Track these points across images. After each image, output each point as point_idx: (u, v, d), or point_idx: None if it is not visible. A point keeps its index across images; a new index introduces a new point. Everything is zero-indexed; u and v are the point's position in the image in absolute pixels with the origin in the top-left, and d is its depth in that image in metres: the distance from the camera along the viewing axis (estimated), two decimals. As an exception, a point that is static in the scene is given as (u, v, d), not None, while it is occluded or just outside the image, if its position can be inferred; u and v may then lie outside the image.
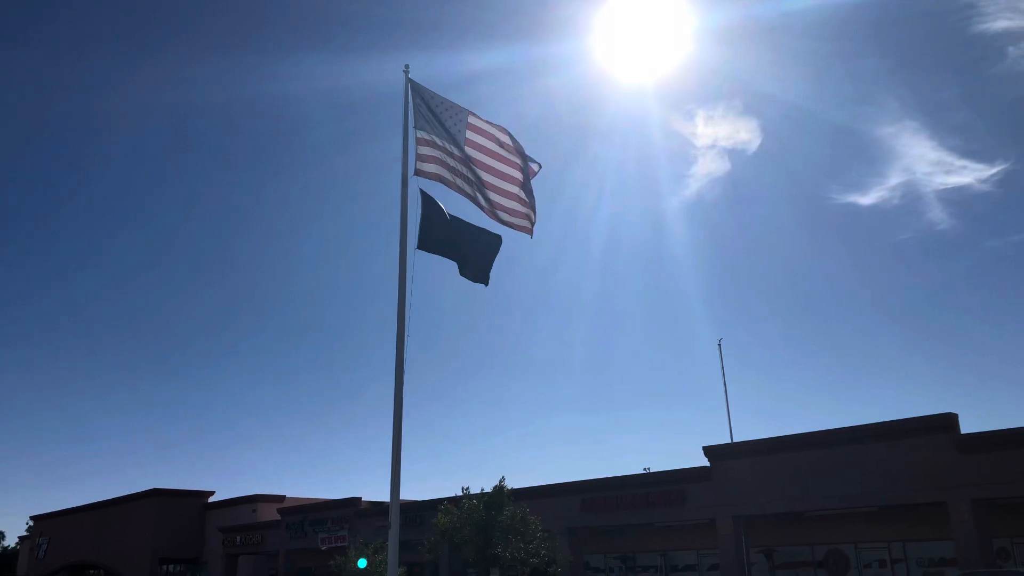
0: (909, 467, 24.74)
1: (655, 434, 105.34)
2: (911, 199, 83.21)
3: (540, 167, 16.97)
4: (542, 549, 24.57)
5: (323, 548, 41.25)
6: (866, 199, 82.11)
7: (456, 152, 17.43)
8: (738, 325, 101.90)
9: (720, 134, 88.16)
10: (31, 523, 74.59)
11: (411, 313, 15.99)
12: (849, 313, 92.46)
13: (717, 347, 34.18)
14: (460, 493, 26.44)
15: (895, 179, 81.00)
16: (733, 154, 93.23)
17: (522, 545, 24.05)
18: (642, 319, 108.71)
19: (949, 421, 24.23)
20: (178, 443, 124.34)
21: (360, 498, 43.70)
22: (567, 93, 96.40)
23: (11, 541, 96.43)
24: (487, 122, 17.27)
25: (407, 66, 18.44)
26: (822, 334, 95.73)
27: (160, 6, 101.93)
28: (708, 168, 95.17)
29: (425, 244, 16.69)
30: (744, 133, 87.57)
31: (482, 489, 25.83)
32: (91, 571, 66.34)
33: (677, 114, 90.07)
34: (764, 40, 79.46)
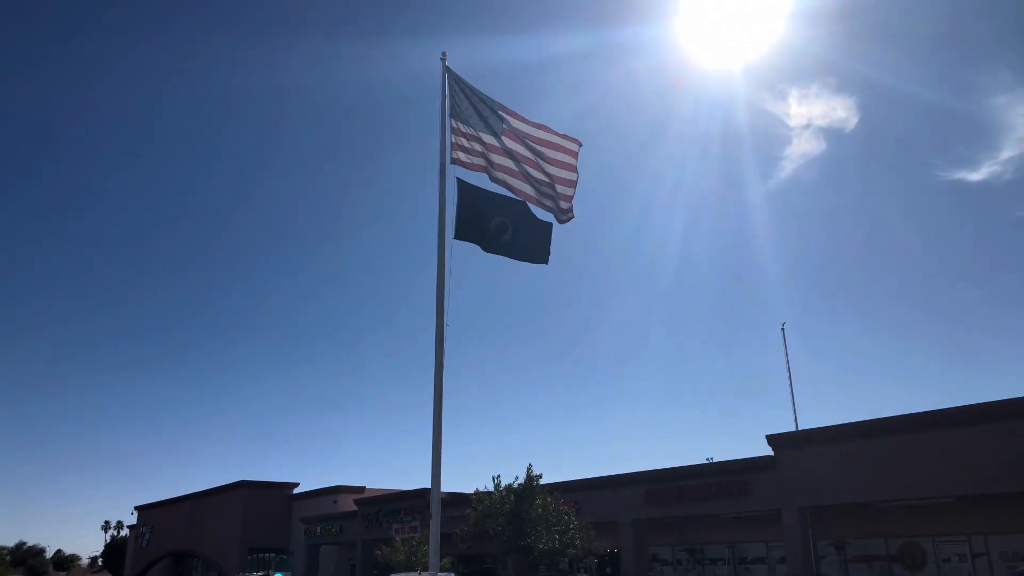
0: (992, 454, 23.08)
1: (736, 423, 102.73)
2: (1028, 172, 77.89)
3: (580, 145, 16.56)
4: (577, 540, 24.11)
5: (396, 538, 41.89)
6: (976, 174, 77.31)
7: (494, 142, 17.26)
8: (825, 311, 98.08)
9: (815, 113, 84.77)
10: (135, 512, 78.75)
11: (450, 303, 15.96)
12: (955, 296, 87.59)
13: (781, 332, 32.80)
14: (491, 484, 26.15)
15: (1008, 152, 75.81)
16: (829, 133, 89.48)
17: (556, 536, 23.64)
18: (721, 307, 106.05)
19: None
20: (267, 436, 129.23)
21: (428, 489, 44.10)
22: (650, 77, 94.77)
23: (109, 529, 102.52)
24: (520, 117, 17.01)
25: (444, 53, 18.38)
26: (922, 320, 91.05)
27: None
28: (803, 148, 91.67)
29: (463, 234, 16.59)
30: (840, 111, 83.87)
31: (516, 478, 25.49)
32: (190, 559, 69.61)
33: (768, 94, 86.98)
34: (857, 15, 75.79)
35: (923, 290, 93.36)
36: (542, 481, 27.04)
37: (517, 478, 25.26)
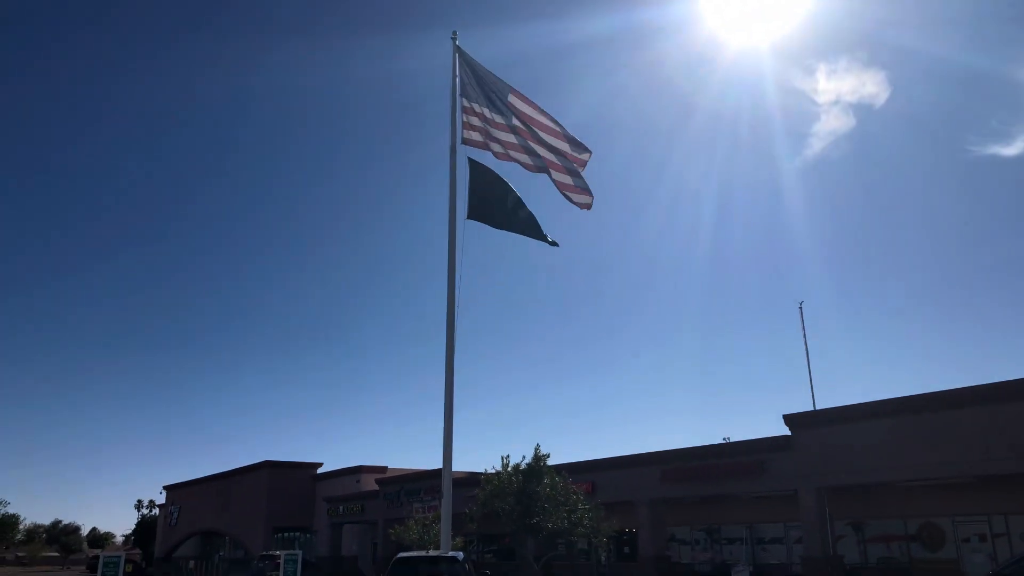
0: (1011, 433, 22.70)
1: (757, 403, 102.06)
2: (1064, 146, 76.17)
3: (591, 154, 16.35)
4: (585, 519, 24.10)
5: (416, 517, 42.27)
6: (1011, 149, 75.69)
7: (503, 123, 17.10)
8: (855, 290, 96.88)
9: (844, 88, 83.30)
10: (164, 492, 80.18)
11: (461, 284, 15.99)
12: (988, 272, 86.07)
13: (799, 311, 32.43)
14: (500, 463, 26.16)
15: (1044, 125, 73.89)
16: (859, 109, 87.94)
17: (565, 515, 23.64)
18: (750, 286, 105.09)
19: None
20: (292, 417, 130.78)
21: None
22: (676, 58, 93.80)
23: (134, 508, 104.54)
24: (529, 102, 16.86)
25: (455, 33, 18.19)
26: (954, 298, 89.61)
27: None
28: (832, 125, 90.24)
29: (476, 214, 16.50)
30: (870, 86, 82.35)
31: (524, 457, 25.50)
32: (218, 538, 70.82)
33: (796, 70, 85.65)
34: (886, -13, 74.15)
35: (955, 269, 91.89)
36: (560, 461, 27.00)
37: (524, 457, 25.30)
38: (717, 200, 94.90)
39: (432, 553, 17.29)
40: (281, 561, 26.10)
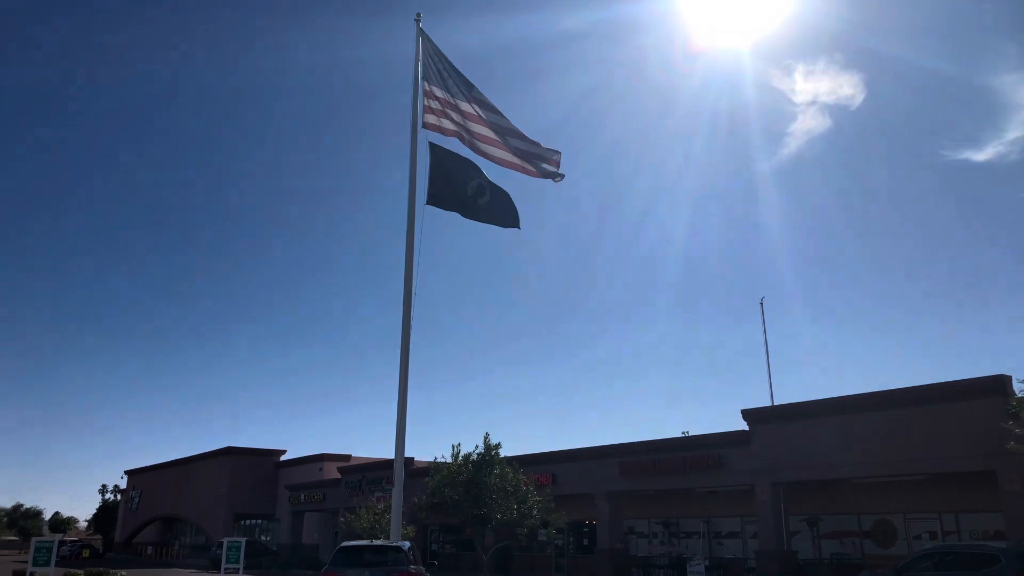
0: (962, 432, 22.78)
1: (723, 399, 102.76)
2: (1034, 153, 76.97)
3: (559, 154, 16.01)
4: (534, 510, 23.89)
5: (367, 506, 41.94)
6: (981, 154, 76.45)
7: (469, 109, 16.69)
8: (827, 288, 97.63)
9: (821, 89, 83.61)
10: (124, 477, 79.10)
11: (419, 269, 15.59)
12: (953, 273, 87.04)
13: (760, 306, 32.42)
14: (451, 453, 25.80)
15: (1015, 132, 74.74)
16: (835, 110, 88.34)
17: (515, 506, 23.41)
18: (722, 283, 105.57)
19: (1000, 384, 22.11)
20: (257, 404, 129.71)
21: (413, 458, 44.06)
22: (656, 53, 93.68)
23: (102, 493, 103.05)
24: (490, 107, 16.49)
25: (419, 14, 17.77)
26: (922, 298, 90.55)
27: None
28: (808, 125, 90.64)
29: (435, 200, 16.07)
30: (847, 88, 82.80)
31: (476, 447, 25.19)
32: (179, 523, 70.01)
33: (774, 70, 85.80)
34: (865, -10, 74.37)
35: (922, 269, 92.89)
36: (522, 452, 26.64)
37: (477, 447, 24.98)
38: (692, 196, 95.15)
39: (376, 542, 17.02)
40: (223, 547, 25.69)
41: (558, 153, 15.67)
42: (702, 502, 32.57)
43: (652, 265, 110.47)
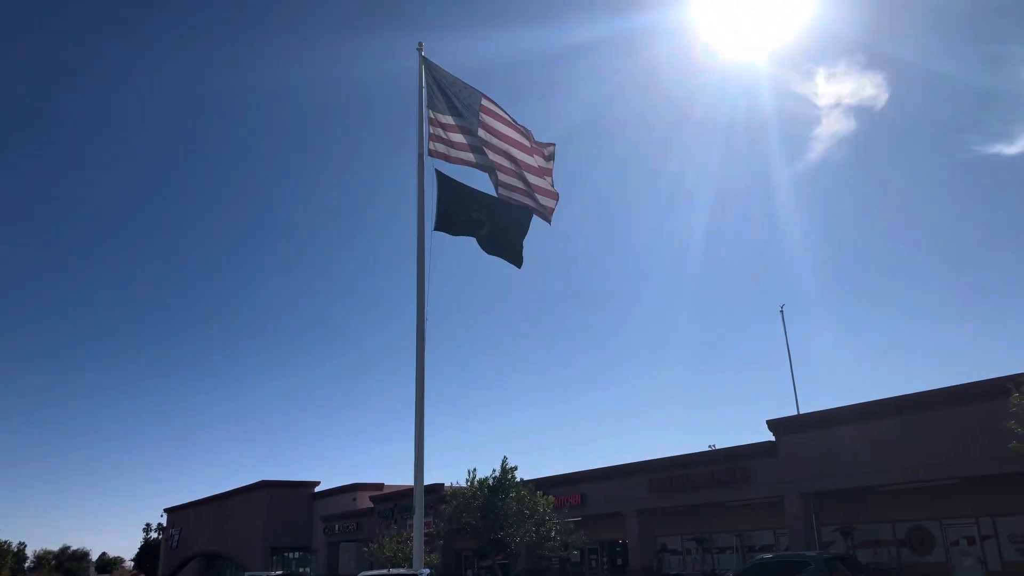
0: (995, 433, 22.23)
1: (749, 410, 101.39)
2: (1068, 144, 75.56)
3: (554, 146, 16.21)
4: (553, 532, 23.73)
5: (391, 535, 41.92)
6: (1013, 148, 75.13)
7: (473, 134, 16.91)
8: (855, 294, 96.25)
9: (844, 91, 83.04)
10: (164, 515, 79.96)
11: (431, 295, 15.72)
12: (991, 274, 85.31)
13: (780, 314, 32.09)
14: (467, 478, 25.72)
15: (1046, 122, 73.29)
16: (859, 112, 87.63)
17: (534, 529, 23.26)
18: (747, 293, 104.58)
19: (1028, 381, 21.58)
20: (290, 436, 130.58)
21: (443, 484, 44.07)
22: (672, 63, 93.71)
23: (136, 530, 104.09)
24: (500, 107, 16.70)
25: (421, 44, 18.10)
26: (957, 299, 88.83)
27: None
28: (832, 128, 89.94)
29: (443, 225, 16.31)
30: (870, 88, 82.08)
31: (493, 471, 25.09)
32: (219, 560, 70.50)
33: (795, 74, 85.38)
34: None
35: (957, 270, 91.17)
36: (549, 474, 26.46)
37: (494, 471, 24.90)
38: (711, 207, 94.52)
39: (394, 571, 17.02)
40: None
41: (551, 145, 15.74)
42: (734, 516, 32.15)
43: (671, 279, 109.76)
